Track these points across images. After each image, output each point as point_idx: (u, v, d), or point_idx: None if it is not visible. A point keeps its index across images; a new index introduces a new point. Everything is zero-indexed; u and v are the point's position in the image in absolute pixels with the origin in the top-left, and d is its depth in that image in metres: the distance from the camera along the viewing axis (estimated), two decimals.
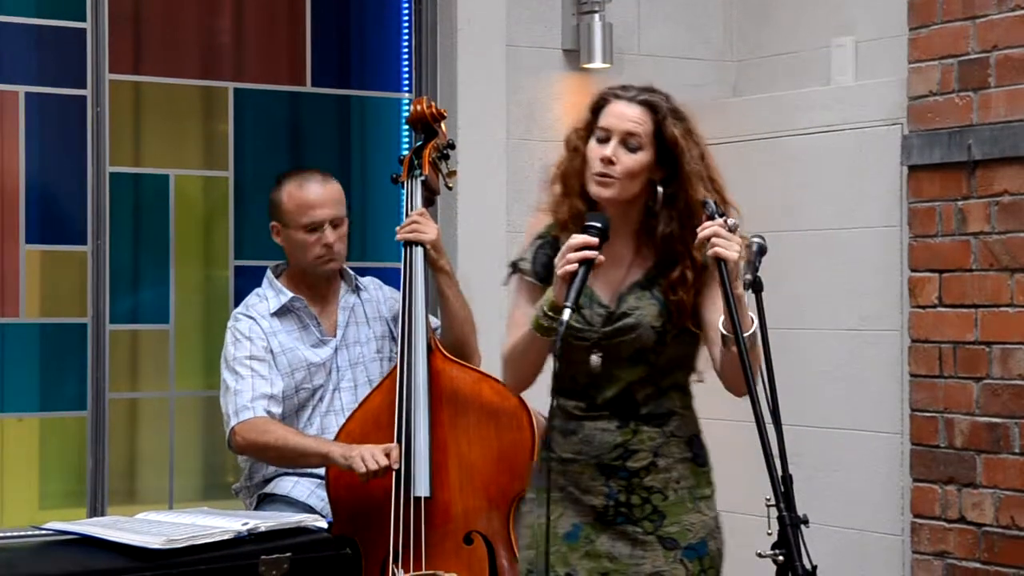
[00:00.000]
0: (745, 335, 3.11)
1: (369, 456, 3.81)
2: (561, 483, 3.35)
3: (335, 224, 4.18)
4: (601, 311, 3.33)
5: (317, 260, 4.19)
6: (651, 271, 3.36)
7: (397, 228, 4.20)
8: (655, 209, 3.34)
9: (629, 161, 3.29)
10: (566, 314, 3.10)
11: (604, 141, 3.31)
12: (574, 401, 3.35)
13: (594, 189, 3.31)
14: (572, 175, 3.37)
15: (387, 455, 3.82)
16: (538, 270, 3.38)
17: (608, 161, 3.29)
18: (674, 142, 3.30)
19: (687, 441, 3.38)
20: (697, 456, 3.40)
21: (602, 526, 3.33)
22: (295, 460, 4.05)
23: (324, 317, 4.25)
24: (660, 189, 3.32)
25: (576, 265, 3.14)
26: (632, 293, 3.34)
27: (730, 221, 3.16)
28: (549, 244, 3.39)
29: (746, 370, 3.05)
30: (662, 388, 3.35)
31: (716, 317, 3.27)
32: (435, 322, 4.24)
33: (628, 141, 3.29)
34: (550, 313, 3.20)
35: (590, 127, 3.36)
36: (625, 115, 3.31)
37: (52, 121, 5.11)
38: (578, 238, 3.17)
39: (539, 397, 3.89)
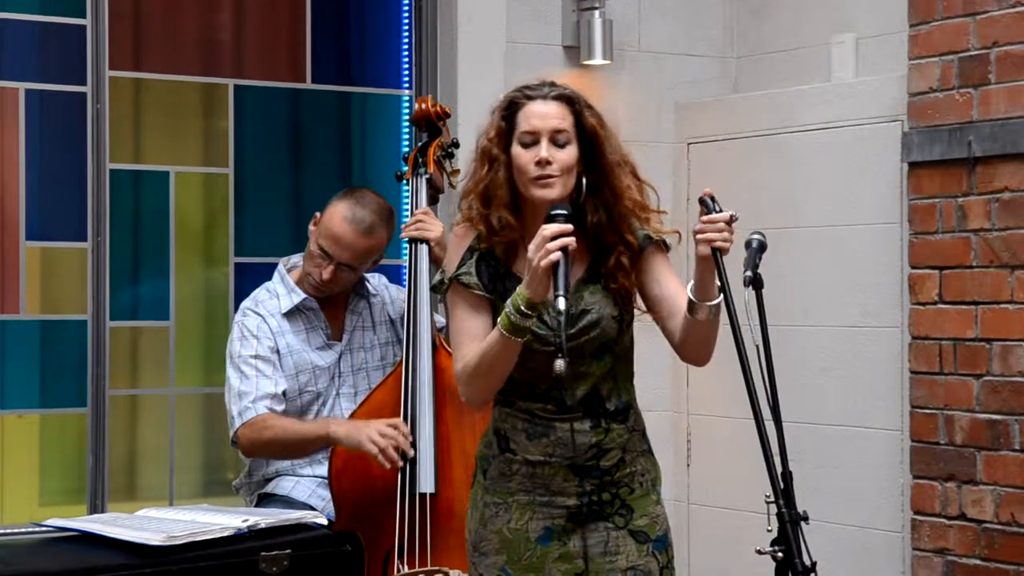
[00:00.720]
0: (712, 303, 3.18)
1: (376, 435, 3.81)
2: (528, 486, 3.33)
3: (343, 267, 4.14)
4: (558, 314, 3.22)
5: (308, 275, 4.18)
6: (592, 264, 3.36)
7: (403, 226, 4.19)
8: (579, 201, 3.32)
9: (564, 157, 3.28)
10: (561, 303, 3.07)
11: (532, 144, 3.28)
12: (539, 403, 3.32)
13: (538, 192, 3.27)
14: (497, 186, 3.32)
15: (394, 428, 3.83)
16: (485, 282, 3.34)
17: (546, 162, 3.26)
18: (594, 132, 3.31)
19: (642, 433, 3.41)
20: (650, 447, 3.44)
21: (574, 526, 3.32)
22: (299, 448, 4.04)
23: (331, 320, 4.24)
24: (584, 180, 3.31)
25: (559, 254, 3.10)
26: (584, 289, 3.33)
27: (734, 216, 3.17)
28: (487, 255, 3.35)
29: (739, 344, 3.06)
30: (619, 380, 3.36)
31: (669, 291, 3.33)
32: (440, 321, 4.24)
33: (556, 138, 3.28)
34: (527, 311, 3.14)
35: (506, 134, 3.33)
36: (547, 113, 3.29)
37: (52, 118, 5.11)
38: (551, 227, 3.13)
39: None
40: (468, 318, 3.32)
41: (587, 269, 3.35)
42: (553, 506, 3.32)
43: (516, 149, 3.30)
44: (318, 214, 4.19)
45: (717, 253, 3.14)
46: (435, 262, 4.14)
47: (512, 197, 3.32)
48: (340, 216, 4.12)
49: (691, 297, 3.21)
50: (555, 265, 3.10)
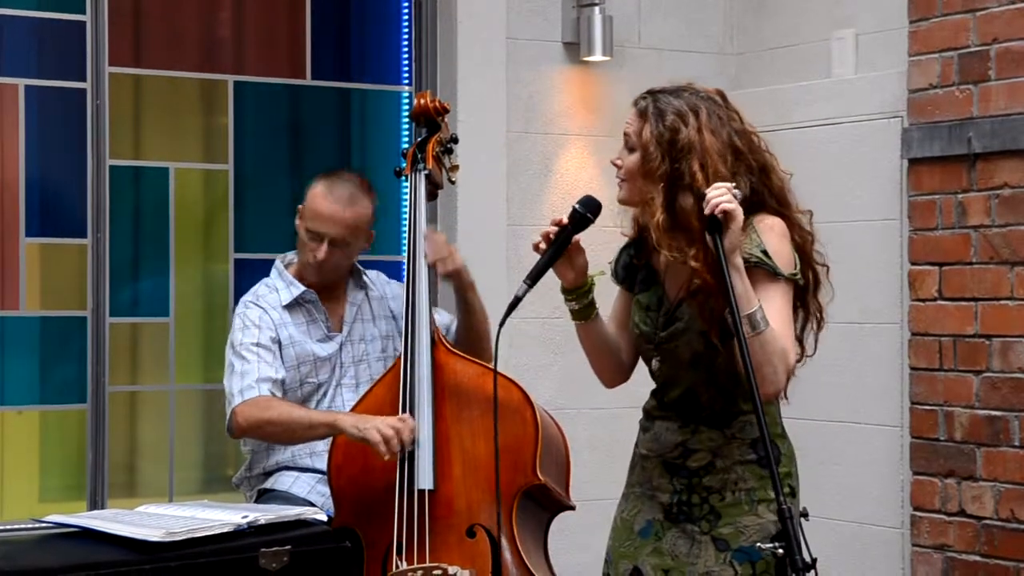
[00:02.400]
0: (746, 313, 3.10)
1: (385, 427, 3.80)
2: (640, 479, 3.45)
3: (335, 243, 4.15)
4: (662, 316, 3.35)
5: (306, 264, 4.19)
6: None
7: (433, 260, 4.09)
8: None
9: (626, 161, 3.33)
10: (520, 289, 3.26)
11: None
12: (652, 399, 3.44)
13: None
14: None
15: (401, 422, 3.82)
16: (618, 271, 3.49)
17: (613, 164, 3.37)
18: (639, 143, 3.30)
19: (751, 443, 3.32)
20: (763, 459, 3.27)
21: (669, 523, 3.38)
22: (300, 432, 4.01)
23: (331, 312, 4.25)
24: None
25: (539, 241, 3.31)
26: (688, 299, 3.32)
27: (736, 192, 3.15)
28: (633, 246, 3.46)
29: (741, 344, 3.05)
30: (729, 391, 3.32)
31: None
32: (444, 318, 4.24)
33: (627, 142, 3.34)
34: (565, 295, 3.38)
35: None
36: (627, 119, 3.36)
37: (52, 114, 5.11)
38: (554, 217, 3.33)
39: (542, 395, 3.90)
40: (615, 302, 3.53)
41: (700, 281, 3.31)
42: (653, 500, 3.41)
43: None
44: (300, 206, 4.21)
45: (718, 227, 3.09)
46: (463, 284, 4.15)
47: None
48: (320, 195, 4.15)
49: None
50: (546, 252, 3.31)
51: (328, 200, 4.14)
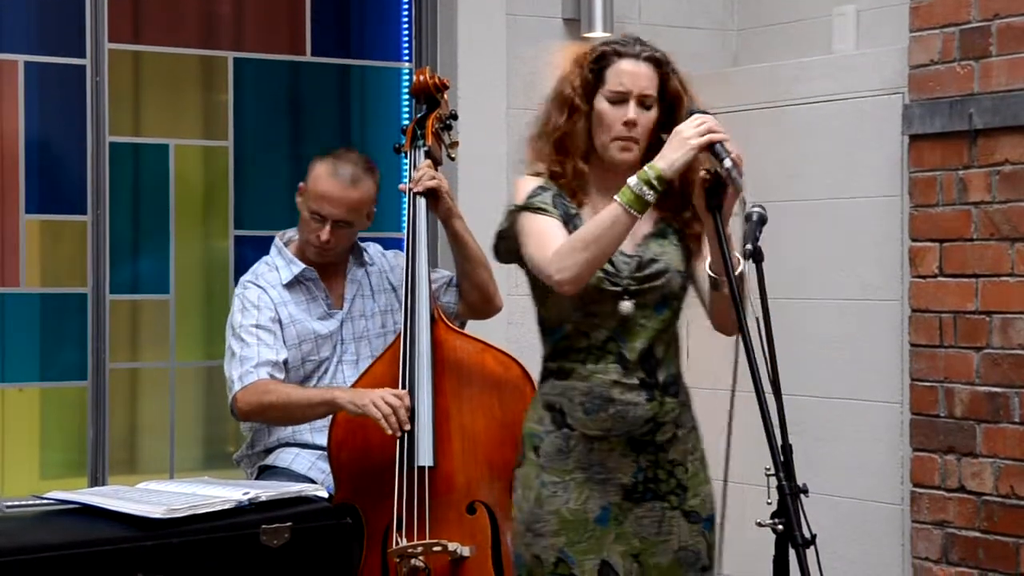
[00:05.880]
0: (735, 272, 3.13)
1: (381, 402, 3.80)
2: (584, 463, 3.33)
3: (339, 225, 4.15)
4: (627, 259, 3.31)
5: (307, 243, 4.19)
6: (660, 220, 3.36)
7: (410, 184, 4.12)
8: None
9: (646, 120, 3.30)
10: (727, 162, 3.08)
11: (619, 103, 3.29)
12: (598, 365, 3.30)
13: (618, 155, 3.30)
14: (576, 136, 3.33)
15: (398, 399, 3.81)
16: (562, 215, 3.33)
17: (633, 124, 3.28)
18: (676, 95, 3.31)
19: (690, 408, 3.40)
20: (697, 423, 3.40)
21: (630, 504, 3.32)
22: (300, 413, 4.02)
23: (331, 289, 4.25)
24: (663, 137, 3.26)
25: (717, 136, 3.12)
26: (652, 241, 3.34)
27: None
28: (560, 195, 3.35)
29: (740, 317, 3.06)
30: (671, 346, 3.35)
31: (702, 265, 3.29)
32: (443, 275, 4.25)
33: (644, 101, 3.29)
34: (657, 185, 3.11)
35: (592, 86, 3.33)
36: (639, 74, 3.29)
37: (52, 90, 5.10)
38: (710, 121, 3.14)
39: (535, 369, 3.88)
40: (552, 222, 3.28)
41: (654, 224, 3.36)
42: (609, 483, 3.32)
43: (602, 105, 3.30)
44: (302, 184, 4.21)
45: (724, 167, 3.11)
46: (448, 211, 4.11)
47: (587, 148, 3.32)
48: (324, 175, 4.14)
49: (710, 273, 3.22)
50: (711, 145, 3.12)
51: (332, 181, 4.13)
